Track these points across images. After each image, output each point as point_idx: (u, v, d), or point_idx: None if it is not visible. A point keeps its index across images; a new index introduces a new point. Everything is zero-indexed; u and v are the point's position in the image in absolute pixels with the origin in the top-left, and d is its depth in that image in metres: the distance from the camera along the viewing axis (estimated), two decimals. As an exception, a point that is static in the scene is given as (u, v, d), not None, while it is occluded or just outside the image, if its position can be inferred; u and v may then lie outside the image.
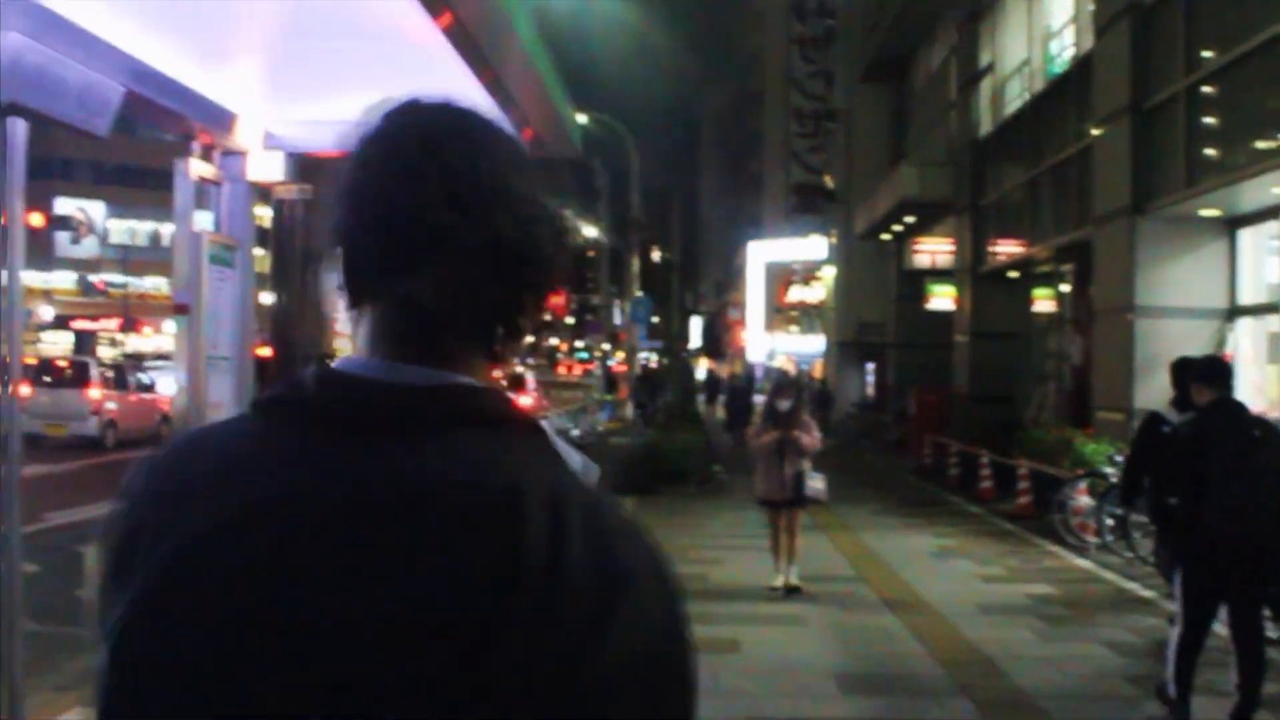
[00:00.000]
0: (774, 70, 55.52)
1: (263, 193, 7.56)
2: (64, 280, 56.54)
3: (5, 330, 4.80)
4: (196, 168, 6.50)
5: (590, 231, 43.04)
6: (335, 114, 6.95)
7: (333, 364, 1.28)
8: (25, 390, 25.64)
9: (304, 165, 7.40)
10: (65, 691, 7.17)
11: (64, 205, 50.36)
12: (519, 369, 48.84)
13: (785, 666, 8.51)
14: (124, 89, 5.12)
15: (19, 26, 4.40)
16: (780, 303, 55.81)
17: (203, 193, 6.80)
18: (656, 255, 48.00)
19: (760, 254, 58.05)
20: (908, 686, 8.08)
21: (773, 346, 54.78)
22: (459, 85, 6.06)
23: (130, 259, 58.54)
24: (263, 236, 8.63)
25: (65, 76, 4.75)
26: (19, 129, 4.79)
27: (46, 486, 16.97)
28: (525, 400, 32.82)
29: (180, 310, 6.46)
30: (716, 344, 60.58)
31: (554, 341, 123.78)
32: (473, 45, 5.65)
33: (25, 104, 4.67)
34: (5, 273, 4.79)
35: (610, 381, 40.38)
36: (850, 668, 8.51)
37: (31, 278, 55.57)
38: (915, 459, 25.06)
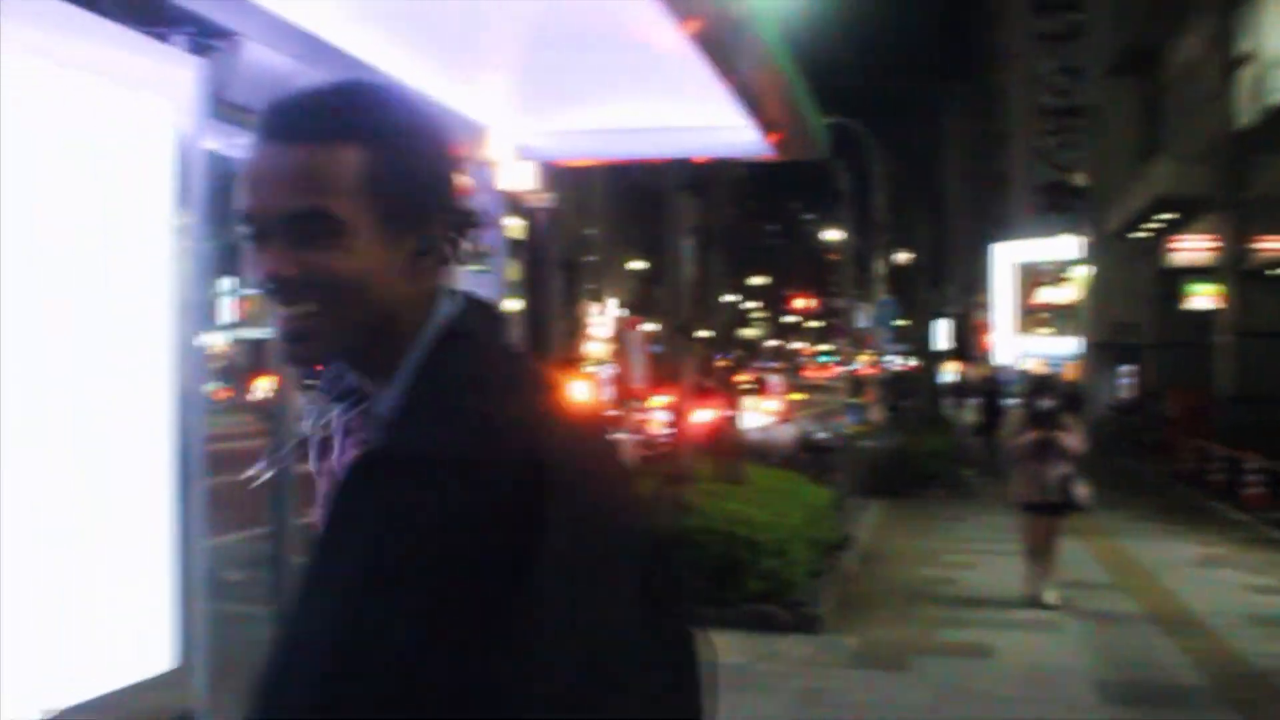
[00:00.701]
0: (1017, 66, 54.07)
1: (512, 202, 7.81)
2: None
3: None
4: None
5: (834, 234, 42.71)
6: (584, 124, 7.14)
7: None
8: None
9: (552, 174, 7.61)
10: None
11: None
12: (768, 372, 48.88)
13: (1041, 674, 8.29)
14: (386, 106, 5.36)
15: (291, 53, 4.67)
16: (1029, 304, 54.34)
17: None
18: (901, 257, 47.31)
19: (1007, 255, 56.58)
20: (1173, 699, 7.76)
21: (1022, 349, 53.33)
22: (705, 92, 6.13)
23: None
24: (513, 245, 8.91)
25: (333, 97, 5.01)
26: (292, 147, 5.08)
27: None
28: (770, 404, 32.83)
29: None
30: (964, 346, 59.27)
31: (798, 345, 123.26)
32: (718, 51, 5.70)
33: (298, 124, 4.95)
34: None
35: (856, 385, 40.01)
36: (1110, 677, 8.22)
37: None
38: (1174, 463, 24.00)
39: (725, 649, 8.14)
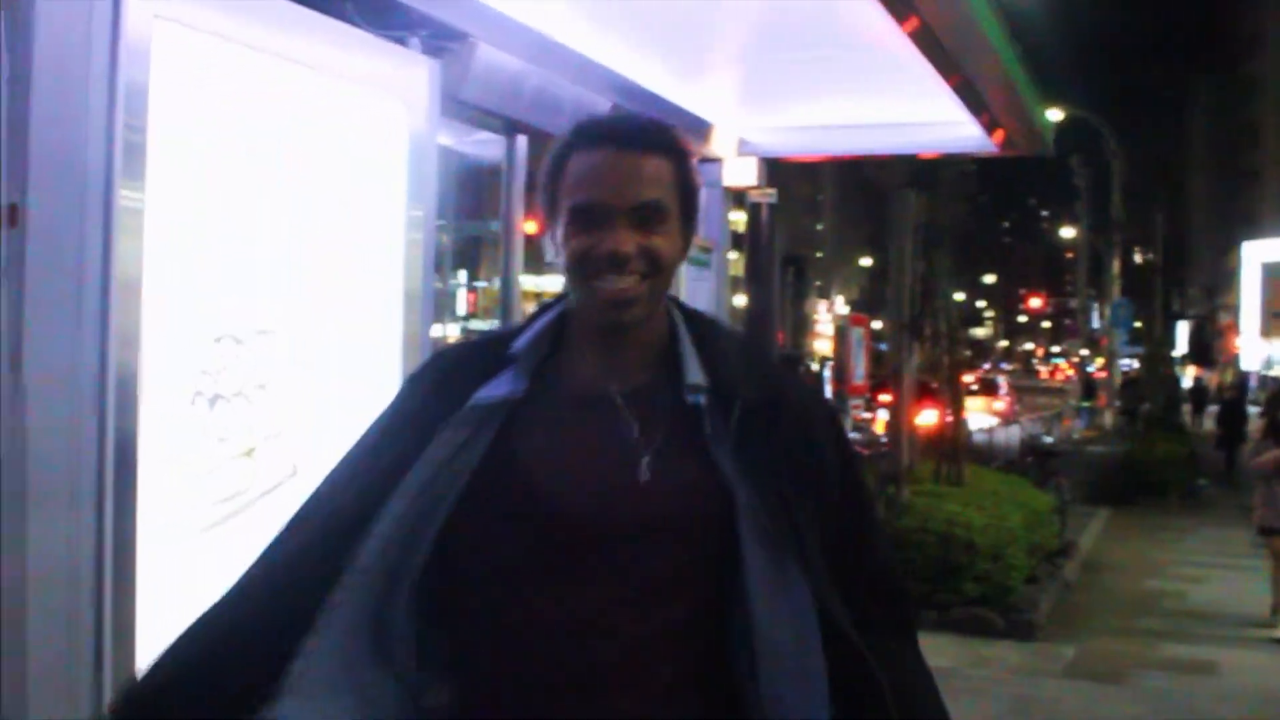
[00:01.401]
0: (1274, 55, 51.47)
1: (736, 196, 7.89)
2: (553, 284, 60.57)
3: (506, 317, 5.30)
4: (678, 176, 6.86)
5: (1068, 232, 41.44)
6: (804, 120, 7.17)
7: None
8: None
9: (773, 169, 7.66)
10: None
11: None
12: (994, 373, 47.73)
13: (1269, 695, 7.94)
14: (611, 104, 5.51)
15: (521, 53, 4.85)
16: (1277, 306, 51.64)
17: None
18: (1139, 256, 45.60)
19: (1257, 254, 53.98)
20: None
21: (1269, 354, 50.75)
22: (925, 88, 6.10)
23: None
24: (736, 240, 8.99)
25: (559, 95, 5.18)
26: (520, 145, 5.28)
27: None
28: (998, 404, 32.07)
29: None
30: (1204, 350, 56.67)
31: (1029, 346, 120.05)
32: (940, 48, 5.67)
33: (526, 122, 5.14)
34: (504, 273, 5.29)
35: (1088, 387, 38.76)
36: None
37: (527, 280, 59.77)
38: None
39: (937, 652, 8.01)
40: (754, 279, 8.67)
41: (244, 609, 1.71)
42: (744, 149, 7.29)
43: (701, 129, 6.90)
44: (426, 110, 4.10)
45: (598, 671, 1.64)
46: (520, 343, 1.78)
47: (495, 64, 4.68)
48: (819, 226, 67.85)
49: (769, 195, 8.07)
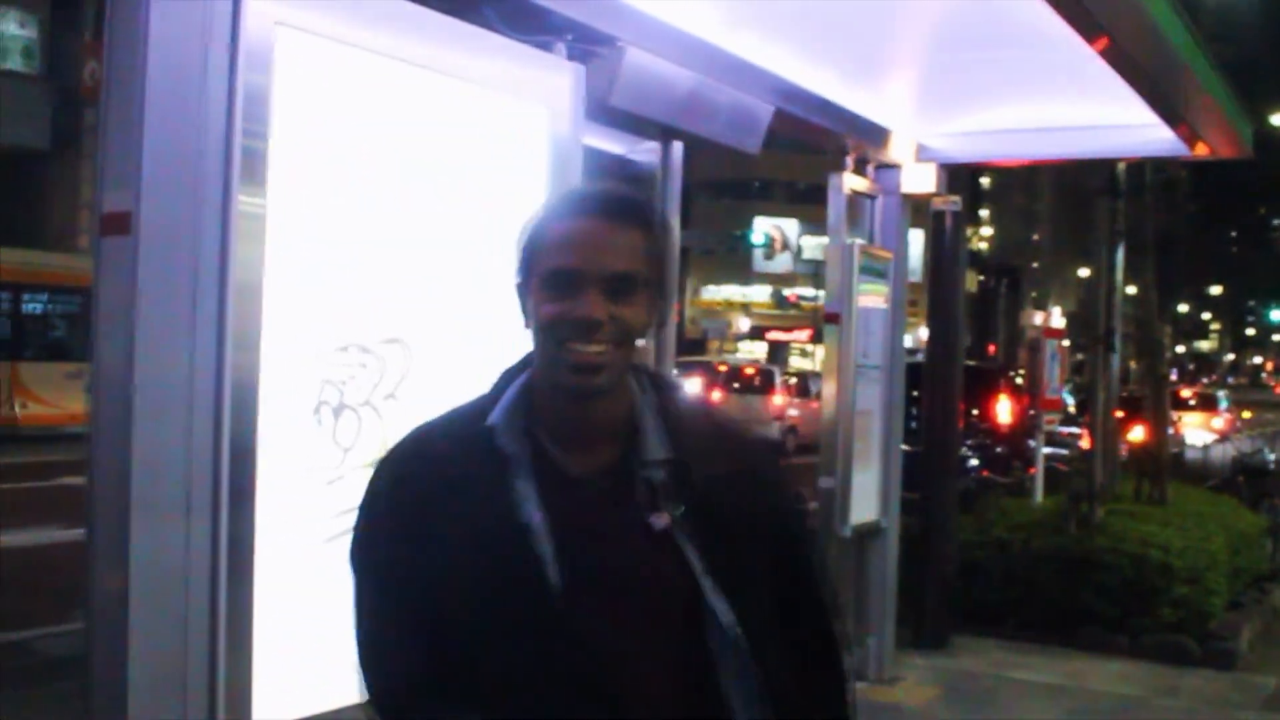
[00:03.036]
0: None
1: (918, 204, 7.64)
2: (760, 294, 60.27)
3: (660, 328, 5.20)
4: (850, 182, 6.69)
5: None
6: (987, 124, 6.88)
7: None
8: (716, 396, 27.49)
9: (954, 175, 7.38)
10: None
11: (762, 224, 53.60)
12: (1214, 388, 45.56)
13: None
14: (773, 109, 5.36)
15: (673, 57, 4.74)
16: None
17: (857, 206, 6.99)
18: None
19: None
20: None
21: None
22: (1111, 91, 5.77)
23: (821, 273, 60.84)
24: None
25: (716, 100, 5.05)
26: (676, 151, 5.17)
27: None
28: (1216, 421, 30.61)
29: (831, 320, 6.67)
30: None
31: (1259, 360, 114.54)
32: (1132, 64, 5.35)
33: (681, 127, 5.03)
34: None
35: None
36: None
37: (731, 291, 59.70)
38: None
39: (1124, 679, 7.64)
40: (938, 289, 8.37)
41: None
42: (923, 155, 7.04)
43: (877, 135, 6.67)
44: (570, 117, 4.01)
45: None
46: (496, 415, 1.81)
47: (645, 68, 4.58)
48: (1035, 236, 66.08)
49: (953, 203, 7.78)
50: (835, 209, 6.64)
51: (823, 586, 1.96)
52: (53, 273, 22.25)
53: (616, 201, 1.81)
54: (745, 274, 58.10)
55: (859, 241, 6.72)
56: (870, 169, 6.88)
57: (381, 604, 1.85)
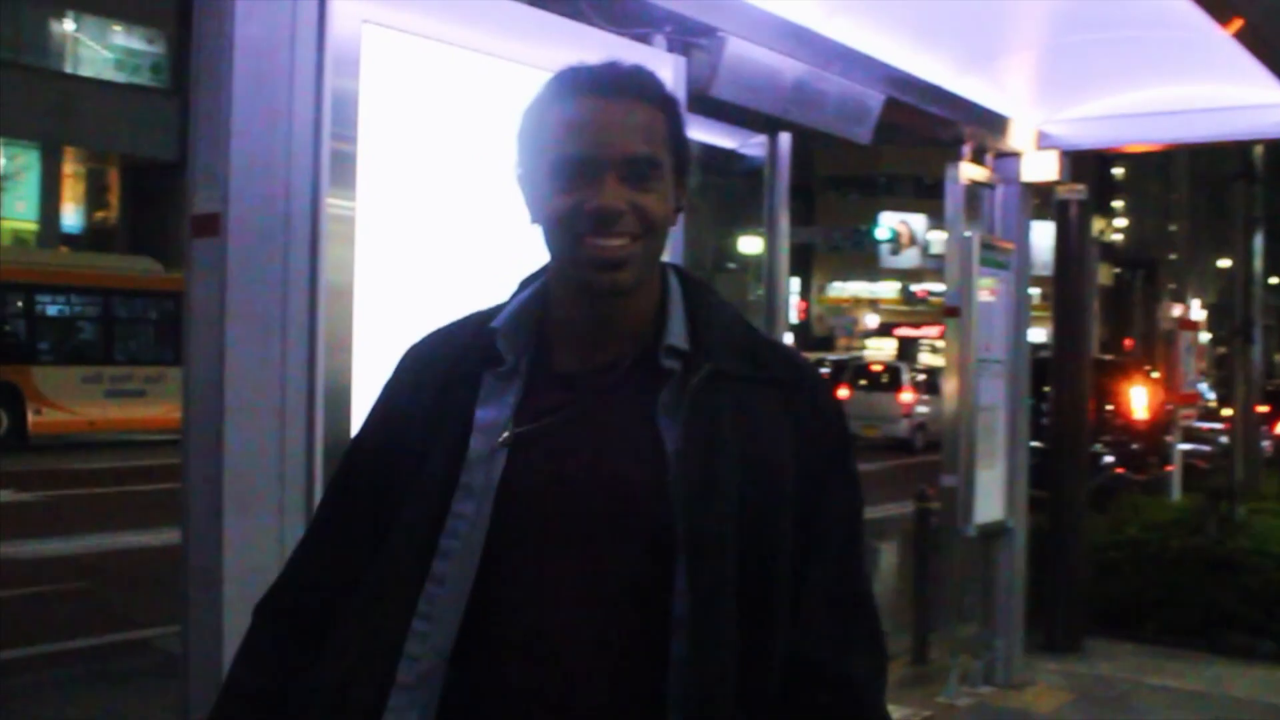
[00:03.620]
0: None
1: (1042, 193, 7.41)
2: (888, 290, 59.63)
3: (770, 323, 5.11)
4: (967, 171, 6.50)
5: None
6: (1113, 109, 6.63)
7: None
8: (843, 393, 27.23)
9: (1079, 163, 7.14)
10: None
11: (888, 219, 53.06)
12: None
13: None
14: (883, 97, 5.21)
15: (777, 46, 4.62)
16: None
17: (976, 196, 6.80)
18: None
19: None
20: None
21: None
22: (1248, 74, 5.51)
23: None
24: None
25: (824, 89, 4.93)
26: (783, 142, 5.06)
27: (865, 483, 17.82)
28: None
29: (951, 313, 6.50)
30: None
31: None
32: (1267, 43, 5.09)
33: (788, 118, 4.91)
34: (771, 279, 5.08)
35: None
36: None
37: (858, 288, 59.19)
38: None
39: (1269, 686, 7.30)
40: (1064, 281, 8.12)
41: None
42: (1044, 142, 6.80)
43: (995, 122, 6.47)
44: (672, 109, 3.93)
45: (546, 680, 1.52)
46: (501, 319, 1.64)
47: (748, 58, 4.47)
48: (1172, 228, 64.33)
49: (1077, 191, 7.54)
50: (953, 200, 6.46)
51: (853, 548, 1.64)
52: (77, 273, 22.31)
53: (627, 76, 1.61)
54: (872, 270, 57.53)
55: (978, 233, 6.52)
56: (989, 158, 6.68)
57: (325, 503, 1.76)
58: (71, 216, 32.16)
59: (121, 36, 32.19)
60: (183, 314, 2.91)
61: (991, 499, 6.50)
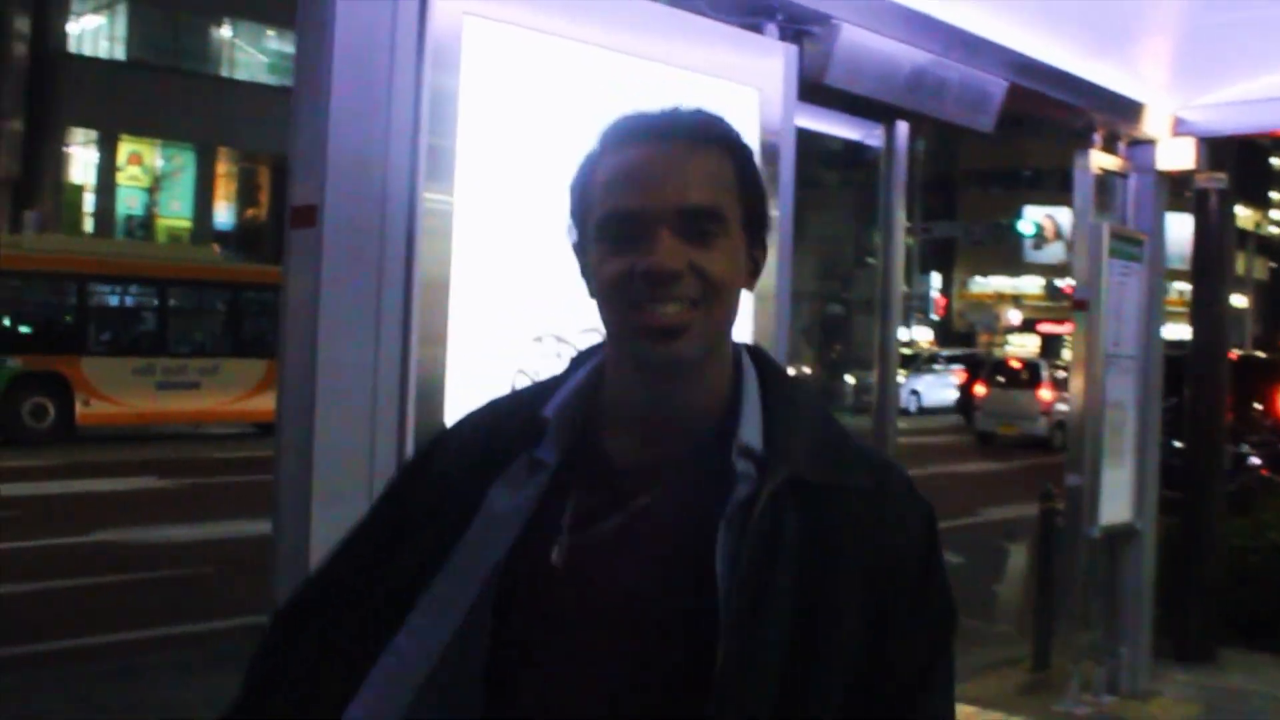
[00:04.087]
0: None
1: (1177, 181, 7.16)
2: (1032, 285, 58.45)
3: (884, 320, 5.01)
4: (1098, 160, 6.31)
5: None
6: (1256, 93, 6.35)
7: None
8: (980, 390, 26.71)
9: (1220, 150, 6.89)
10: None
11: (1032, 213, 52.01)
12: None
13: None
14: (1006, 84, 5.07)
15: (894, 33, 4.53)
16: None
17: (1108, 186, 6.61)
18: None
19: None
20: None
21: None
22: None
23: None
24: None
25: (943, 77, 4.81)
26: (900, 132, 4.96)
27: (988, 482, 17.55)
28: None
29: (1079, 306, 6.32)
30: None
31: None
32: None
33: (905, 106, 4.81)
34: (885, 270, 4.99)
35: None
36: None
37: (1000, 283, 58.14)
38: None
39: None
40: (1203, 274, 7.84)
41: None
42: (1180, 129, 6.56)
43: (1127, 108, 6.26)
44: (782, 100, 3.87)
45: None
46: (553, 405, 1.45)
47: (862, 46, 4.38)
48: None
49: (1218, 180, 7.26)
50: (1082, 189, 6.28)
51: (936, 685, 1.38)
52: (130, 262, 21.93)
53: (687, 118, 1.41)
54: (1015, 265, 56.49)
55: (1107, 223, 6.32)
56: (1121, 146, 6.47)
57: (344, 545, 1.56)
58: (224, 215, 33.20)
59: (275, 41, 33.18)
60: (280, 304, 2.95)
61: (1119, 500, 6.29)
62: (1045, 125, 5.43)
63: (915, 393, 35.71)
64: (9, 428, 19.35)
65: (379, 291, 2.83)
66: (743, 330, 3.74)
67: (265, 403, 20.95)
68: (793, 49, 3.99)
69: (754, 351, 1.48)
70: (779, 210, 3.86)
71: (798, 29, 4.19)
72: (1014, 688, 6.84)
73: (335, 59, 2.75)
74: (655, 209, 1.35)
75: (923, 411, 35.04)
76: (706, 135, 1.40)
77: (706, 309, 1.36)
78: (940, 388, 37.18)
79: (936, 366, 39.18)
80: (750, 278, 1.43)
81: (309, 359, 2.73)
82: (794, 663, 1.28)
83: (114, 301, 22.16)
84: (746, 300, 3.69)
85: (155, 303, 21.80)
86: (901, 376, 29.95)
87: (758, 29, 4.00)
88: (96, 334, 21.35)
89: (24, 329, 20.71)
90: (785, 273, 3.97)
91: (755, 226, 1.43)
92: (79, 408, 20.17)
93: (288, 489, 2.77)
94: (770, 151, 3.81)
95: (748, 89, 3.77)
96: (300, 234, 2.81)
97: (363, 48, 2.79)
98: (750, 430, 1.37)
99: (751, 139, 3.68)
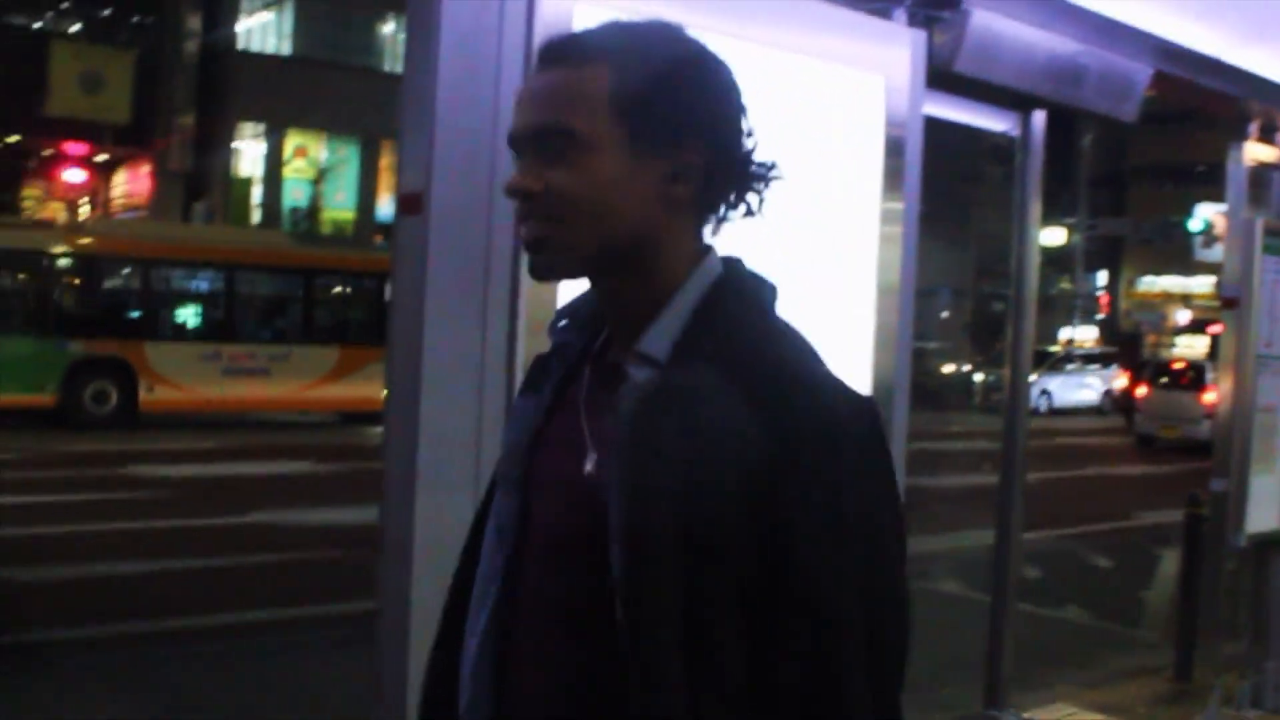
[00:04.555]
0: None
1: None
2: (1203, 285, 56.55)
3: (1017, 318, 4.88)
4: (1253, 151, 6.06)
5: None
6: None
7: None
8: (1141, 391, 25.94)
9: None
10: (1092, 687, 7.03)
11: (1204, 210, 50.38)
12: None
13: None
14: (1150, 70, 4.90)
15: (1027, 18, 4.41)
16: None
17: (1265, 179, 6.35)
18: None
19: None
20: None
21: None
22: None
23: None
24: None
25: (1084, 64, 4.66)
26: (1036, 121, 4.82)
27: (1145, 485, 17.06)
28: None
29: (1229, 305, 6.08)
30: None
31: None
32: None
33: (1043, 95, 4.67)
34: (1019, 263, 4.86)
35: None
36: None
37: (1169, 282, 56.36)
38: None
39: None
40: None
41: None
42: (1342, 116, 6.27)
43: (1273, 93, 5.99)
44: (909, 87, 3.79)
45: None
46: (563, 308, 1.59)
47: (994, 31, 4.27)
48: None
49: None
50: (1235, 182, 6.03)
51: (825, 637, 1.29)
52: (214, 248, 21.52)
53: (559, 43, 1.46)
54: (1186, 264, 54.69)
55: (1261, 218, 6.06)
56: (1278, 137, 6.20)
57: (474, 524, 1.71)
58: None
59: (438, 35, 33.79)
60: (389, 291, 2.98)
61: (1267, 507, 6.01)
62: (1211, 120, 5.23)
63: (1046, 393, 34.53)
64: (70, 412, 19.41)
65: (486, 279, 2.84)
66: (865, 323, 3.70)
67: (337, 391, 21.10)
68: (921, 35, 3.91)
69: (732, 263, 1.50)
70: (904, 201, 3.79)
71: (927, 14, 4.10)
72: (1153, 697, 6.64)
73: (442, 45, 2.76)
74: (516, 133, 1.46)
75: (1054, 412, 33.91)
76: (580, 52, 1.42)
77: (567, 224, 1.40)
78: (1074, 388, 35.96)
79: (1070, 366, 37.90)
80: (669, 185, 1.42)
81: (416, 346, 2.76)
82: (689, 572, 1.26)
83: (179, 286, 21.93)
84: (870, 294, 3.65)
85: (223, 287, 21.60)
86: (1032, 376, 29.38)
87: (886, 15, 3.92)
88: (161, 319, 21.22)
89: (87, 313, 20.57)
90: (910, 266, 3.88)
91: (651, 138, 1.40)
92: (143, 394, 20.11)
93: (394, 474, 2.81)
94: (895, 140, 3.74)
95: (873, 76, 3.70)
96: (407, 221, 2.84)
97: (470, 34, 2.80)
98: (657, 337, 1.40)
99: (875, 126, 3.64)
